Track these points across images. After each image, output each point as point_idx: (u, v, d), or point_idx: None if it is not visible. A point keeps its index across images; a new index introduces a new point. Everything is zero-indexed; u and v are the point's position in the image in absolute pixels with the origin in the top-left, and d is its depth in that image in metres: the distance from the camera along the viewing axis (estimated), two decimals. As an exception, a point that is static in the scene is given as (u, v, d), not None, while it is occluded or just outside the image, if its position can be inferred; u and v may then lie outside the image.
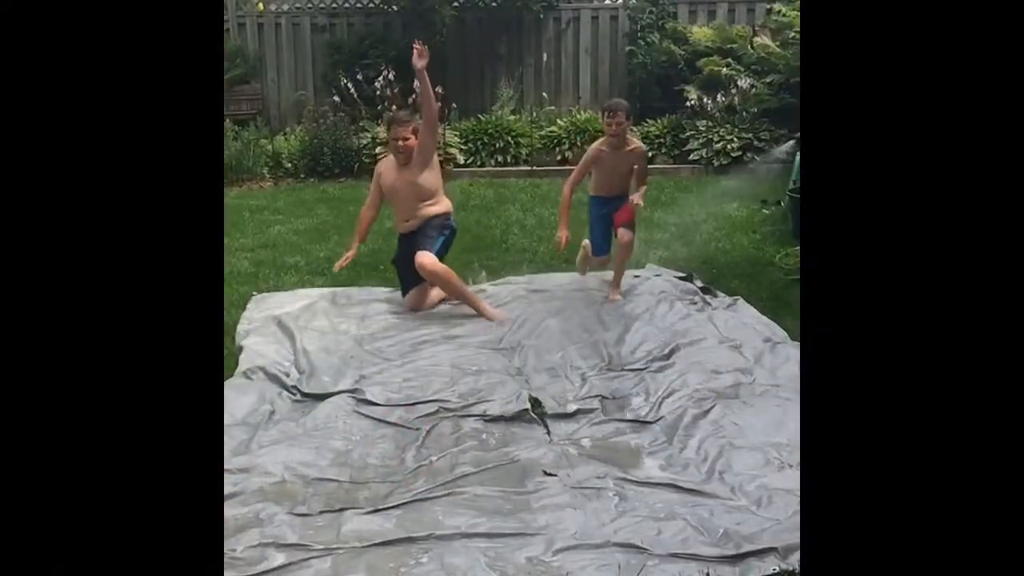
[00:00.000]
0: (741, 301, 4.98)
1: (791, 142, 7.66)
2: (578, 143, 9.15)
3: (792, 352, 4.20)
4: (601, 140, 5.26)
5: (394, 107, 5.25)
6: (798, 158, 6.49)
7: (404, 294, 5.07)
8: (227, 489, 2.98)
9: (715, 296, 5.16)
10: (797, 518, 2.80)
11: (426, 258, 4.78)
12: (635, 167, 5.18)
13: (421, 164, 4.97)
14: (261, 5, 10.43)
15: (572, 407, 3.76)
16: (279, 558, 2.66)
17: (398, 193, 5.02)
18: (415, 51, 4.93)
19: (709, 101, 8.96)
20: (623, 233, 5.08)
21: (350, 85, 9.24)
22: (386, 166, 5.14)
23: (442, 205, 5.07)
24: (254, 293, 5.29)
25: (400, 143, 4.96)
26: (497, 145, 9.19)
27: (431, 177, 5.01)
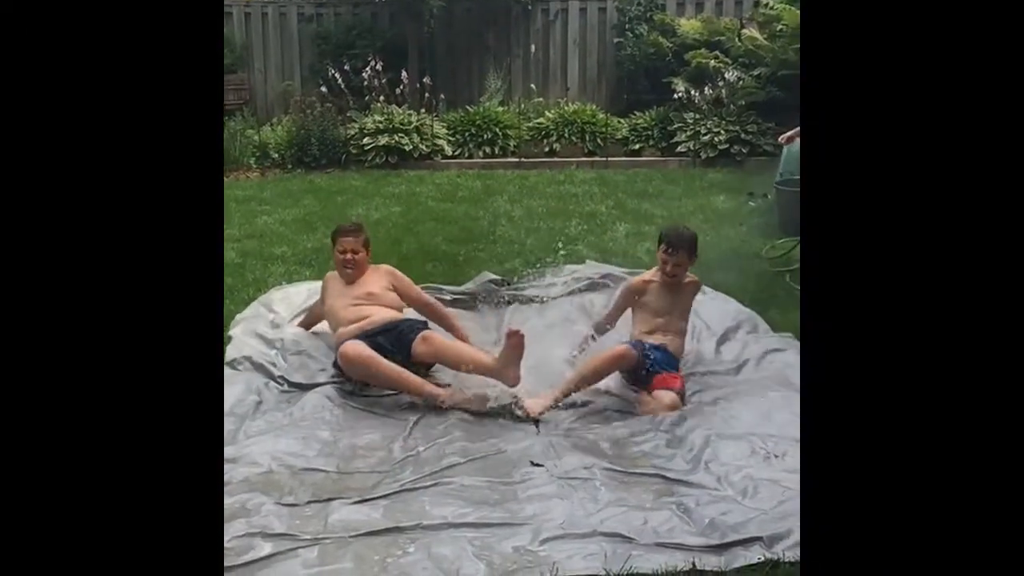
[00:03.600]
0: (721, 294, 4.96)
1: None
2: (566, 135, 9.16)
3: (776, 344, 4.22)
4: (651, 271, 4.14)
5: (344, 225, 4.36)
6: (785, 150, 6.50)
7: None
8: (214, 479, 2.98)
9: None
10: (782, 508, 2.83)
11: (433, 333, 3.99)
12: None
13: (371, 286, 4.21)
14: (248, -6, 10.38)
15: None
16: (266, 548, 2.66)
17: (337, 313, 4.15)
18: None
19: (697, 93, 8.97)
20: (664, 394, 3.70)
21: (337, 75, 9.21)
22: (330, 279, 4.37)
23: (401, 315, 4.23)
24: (283, 283, 5.26)
25: (348, 256, 4.21)
26: (485, 136, 9.18)
27: (384, 292, 4.22)
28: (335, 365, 3.98)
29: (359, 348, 3.79)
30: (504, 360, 3.72)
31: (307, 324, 4.50)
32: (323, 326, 4.41)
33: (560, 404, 3.69)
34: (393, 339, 3.92)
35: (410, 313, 4.29)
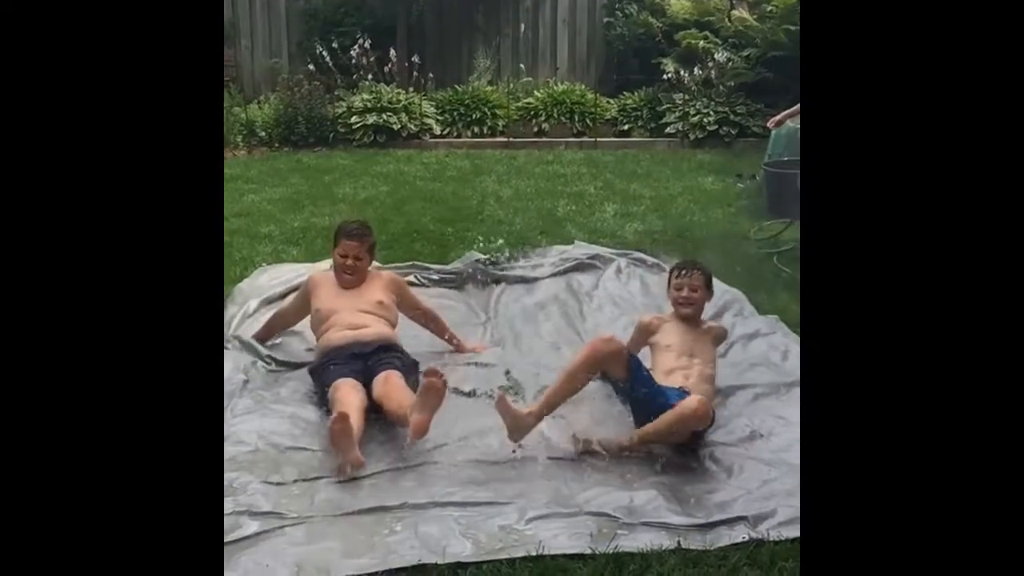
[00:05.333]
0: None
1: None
2: (555, 115, 9.14)
3: (763, 326, 4.24)
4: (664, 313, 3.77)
5: (348, 225, 3.97)
6: (774, 133, 6.50)
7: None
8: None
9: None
10: (767, 488, 2.85)
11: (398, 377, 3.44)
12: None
13: (380, 294, 3.87)
14: (235, -30, 10.28)
15: (548, 382, 3.76)
16: (253, 526, 2.66)
17: (333, 315, 3.77)
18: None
19: (686, 74, 8.96)
20: (691, 399, 3.11)
21: (325, 53, 9.15)
22: (323, 281, 3.95)
23: (397, 336, 3.83)
24: (264, 264, 5.22)
25: (350, 262, 3.84)
26: (474, 116, 9.15)
27: (391, 303, 3.90)
28: (311, 372, 3.69)
29: (352, 394, 3.30)
30: (416, 404, 3.09)
31: (266, 334, 4.08)
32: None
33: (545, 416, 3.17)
34: (372, 364, 3.53)
35: (408, 330, 3.99)
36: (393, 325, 3.86)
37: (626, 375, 3.24)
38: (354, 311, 3.76)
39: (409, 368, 3.60)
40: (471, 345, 4.10)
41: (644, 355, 3.52)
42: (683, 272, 3.60)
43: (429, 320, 4.07)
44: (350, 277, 3.85)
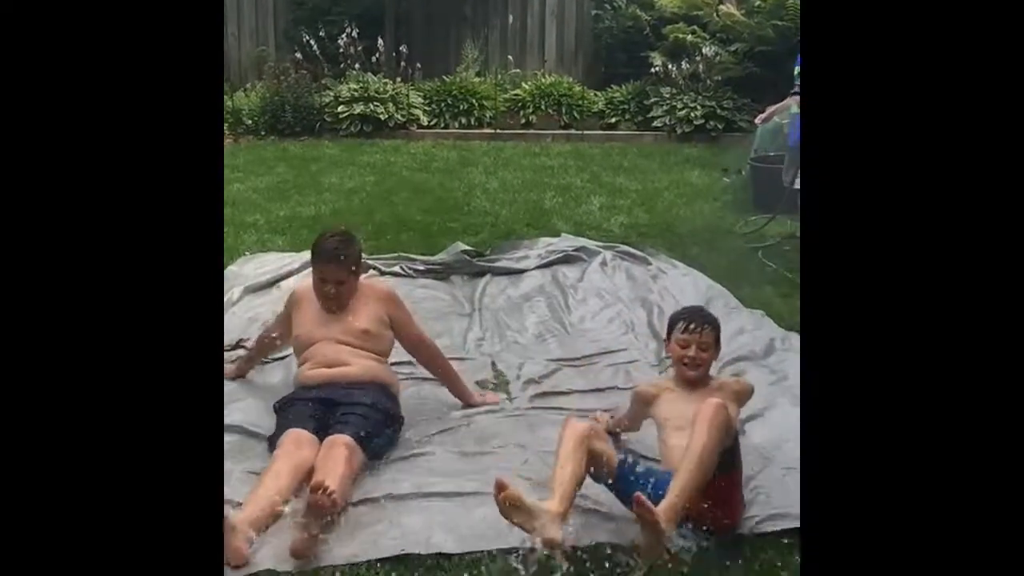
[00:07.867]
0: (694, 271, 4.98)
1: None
2: (542, 107, 9.13)
3: (748, 321, 4.25)
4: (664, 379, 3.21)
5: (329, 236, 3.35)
6: (760, 128, 6.52)
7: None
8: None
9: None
10: (750, 482, 2.86)
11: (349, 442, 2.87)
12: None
13: (368, 319, 3.30)
14: (221, -43, 10.20)
15: (533, 373, 3.77)
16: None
17: (311, 347, 3.28)
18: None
19: (673, 68, 8.96)
20: (703, 406, 2.57)
21: (312, 42, 9.11)
22: (305, 299, 3.39)
23: (386, 371, 3.33)
24: (247, 253, 5.21)
25: (331, 289, 3.27)
26: (461, 107, 9.13)
27: (381, 331, 3.33)
28: (275, 407, 3.24)
29: (292, 455, 2.86)
30: (300, 520, 2.55)
31: (258, 354, 3.70)
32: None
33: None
34: (339, 416, 3.03)
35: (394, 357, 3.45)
36: (385, 355, 3.35)
37: (614, 464, 2.64)
38: (334, 343, 3.24)
39: (379, 426, 3.04)
40: (482, 399, 3.51)
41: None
42: (691, 327, 2.88)
43: (427, 356, 3.48)
44: (334, 302, 3.30)
